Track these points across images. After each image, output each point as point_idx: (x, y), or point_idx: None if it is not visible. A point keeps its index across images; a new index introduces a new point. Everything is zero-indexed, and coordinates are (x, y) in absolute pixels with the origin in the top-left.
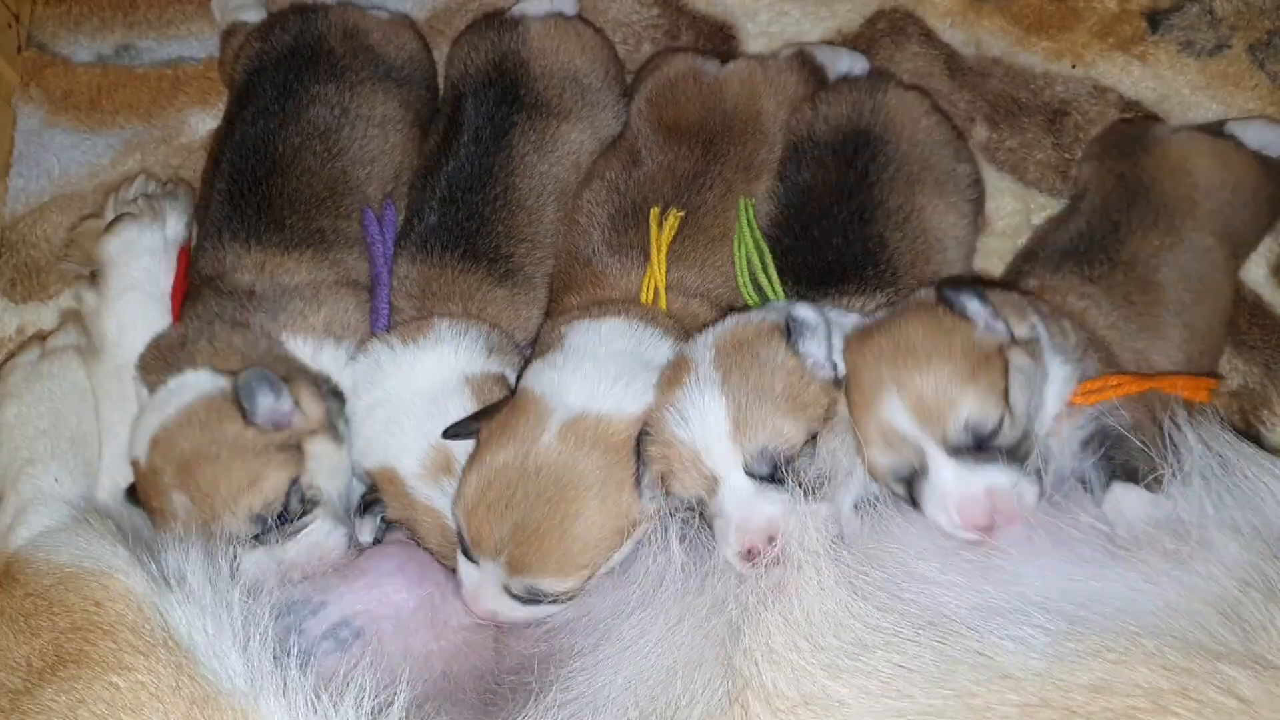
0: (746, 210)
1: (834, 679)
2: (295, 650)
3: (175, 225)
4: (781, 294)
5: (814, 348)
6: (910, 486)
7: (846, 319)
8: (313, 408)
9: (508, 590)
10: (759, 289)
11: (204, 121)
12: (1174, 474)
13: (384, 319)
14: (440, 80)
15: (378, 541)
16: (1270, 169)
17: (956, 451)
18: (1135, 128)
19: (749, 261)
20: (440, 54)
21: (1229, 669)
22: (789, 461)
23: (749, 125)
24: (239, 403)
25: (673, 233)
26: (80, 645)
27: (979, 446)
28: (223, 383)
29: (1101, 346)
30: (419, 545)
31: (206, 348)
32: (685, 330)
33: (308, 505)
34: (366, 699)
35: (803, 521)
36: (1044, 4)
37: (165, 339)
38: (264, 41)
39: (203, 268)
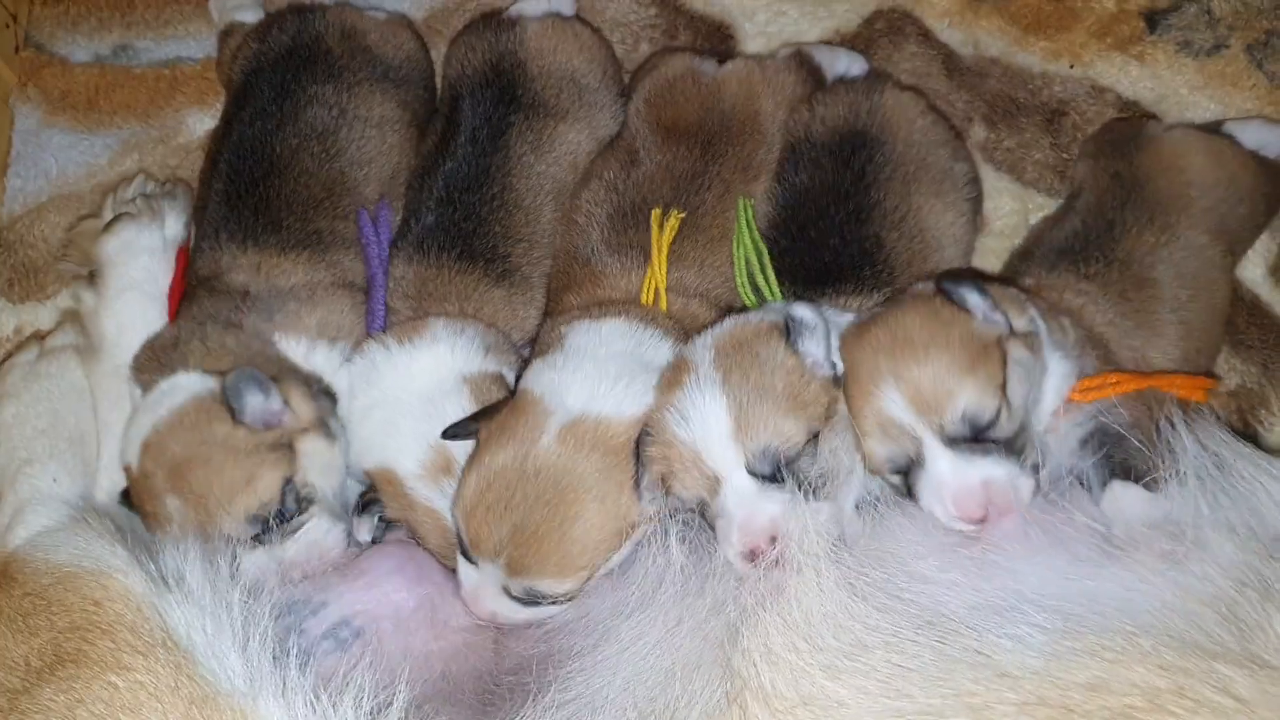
0: (745, 211)
1: (833, 679)
2: (295, 650)
3: (174, 225)
4: (779, 295)
5: (813, 347)
6: (907, 477)
7: (844, 318)
8: (303, 406)
9: (507, 592)
10: (756, 290)
11: (202, 122)
12: (1171, 474)
13: (380, 320)
14: (437, 80)
15: (376, 541)
16: (1265, 167)
17: (953, 442)
18: (1130, 126)
19: (747, 262)
20: (438, 54)
21: (1225, 668)
22: (790, 461)
23: (747, 126)
24: (228, 403)
25: (674, 234)
26: (79, 645)
27: (976, 438)
28: (212, 384)
29: (1099, 344)
30: (419, 545)
31: (199, 348)
32: (685, 331)
33: (303, 504)
34: (366, 699)
35: (804, 522)
36: (1042, 4)
37: (159, 339)
38: (261, 42)
39: (199, 268)
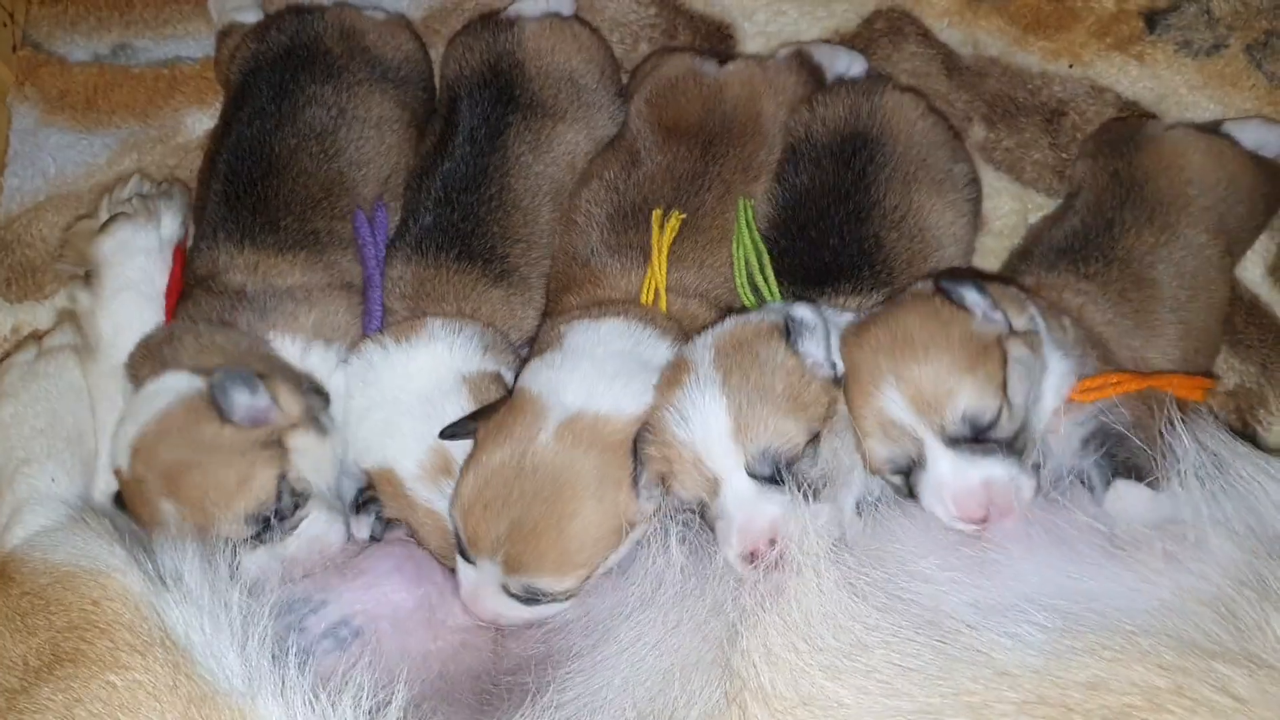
0: (745, 211)
1: (832, 679)
2: (294, 649)
3: (170, 225)
4: (778, 295)
5: (813, 347)
6: (908, 478)
7: (844, 318)
8: (290, 402)
9: (506, 590)
10: (756, 290)
11: (200, 121)
12: (1173, 473)
13: (377, 320)
14: (436, 80)
15: (375, 537)
16: (1264, 167)
17: (954, 443)
18: (1129, 125)
19: (746, 262)
20: (436, 54)
21: (1224, 668)
22: (790, 462)
23: (749, 127)
24: (215, 403)
25: (674, 234)
26: (77, 644)
27: (976, 438)
28: (199, 384)
29: (1099, 344)
30: (418, 545)
31: (191, 344)
32: (684, 331)
33: (299, 499)
34: (365, 698)
35: (804, 523)
36: (1041, 4)
37: (153, 337)
38: (260, 42)
39: (197, 268)
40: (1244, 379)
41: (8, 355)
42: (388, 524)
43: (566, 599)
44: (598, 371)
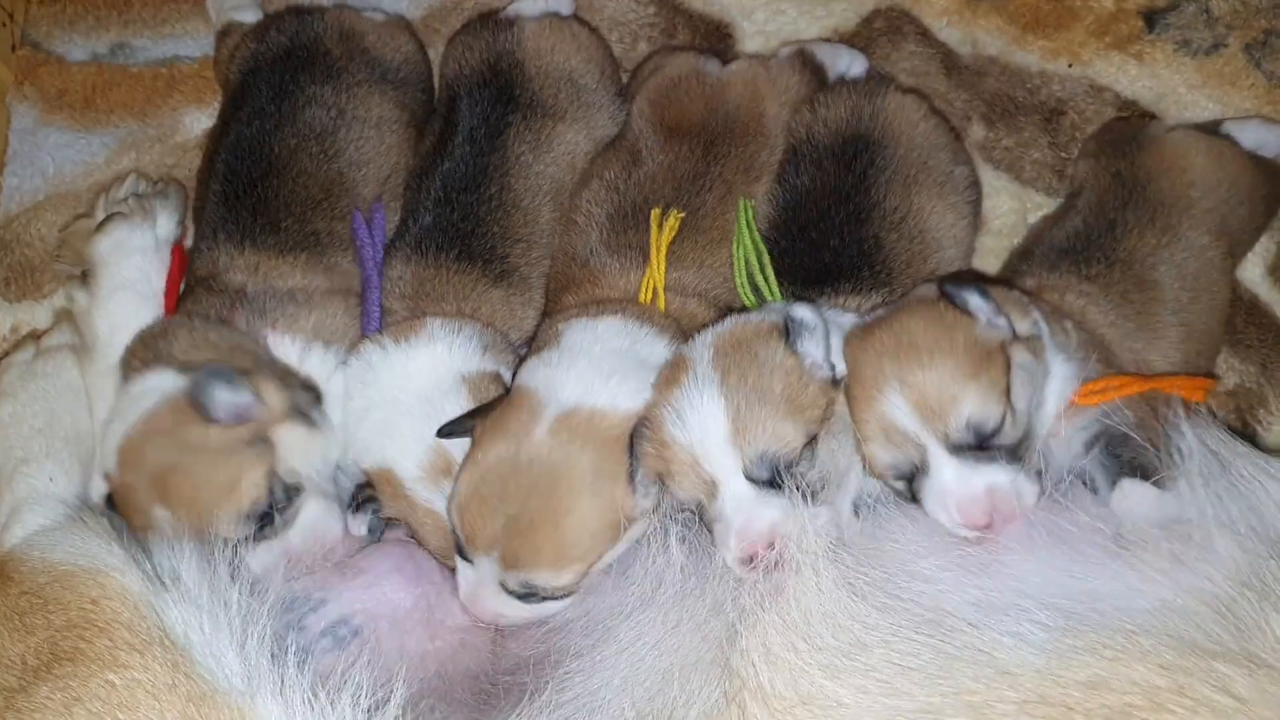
0: (746, 211)
1: (832, 679)
2: (293, 648)
3: (166, 224)
4: (778, 295)
5: (812, 348)
6: (910, 483)
7: (844, 318)
8: (274, 397)
9: (504, 587)
10: (756, 290)
11: (199, 120)
12: (1177, 473)
13: (375, 321)
14: (435, 81)
15: (372, 530)
16: (1265, 168)
17: (958, 449)
18: (1131, 126)
19: (746, 262)
20: (435, 54)
21: (1224, 667)
22: (788, 465)
23: (751, 127)
24: (197, 404)
25: (673, 234)
26: (76, 643)
27: (980, 445)
28: (183, 383)
29: (1101, 346)
30: (418, 545)
31: (185, 338)
32: (683, 330)
33: (292, 491)
34: (363, 697)
35: (802, 525)
36: (1040, 3)
37: (148, 331)
38: (259, 42)
39: (197, 268)
40: (1244, 379)
41: (6, 355)
42: (387, 523)
43: (564, 596)
44: (594, 369)
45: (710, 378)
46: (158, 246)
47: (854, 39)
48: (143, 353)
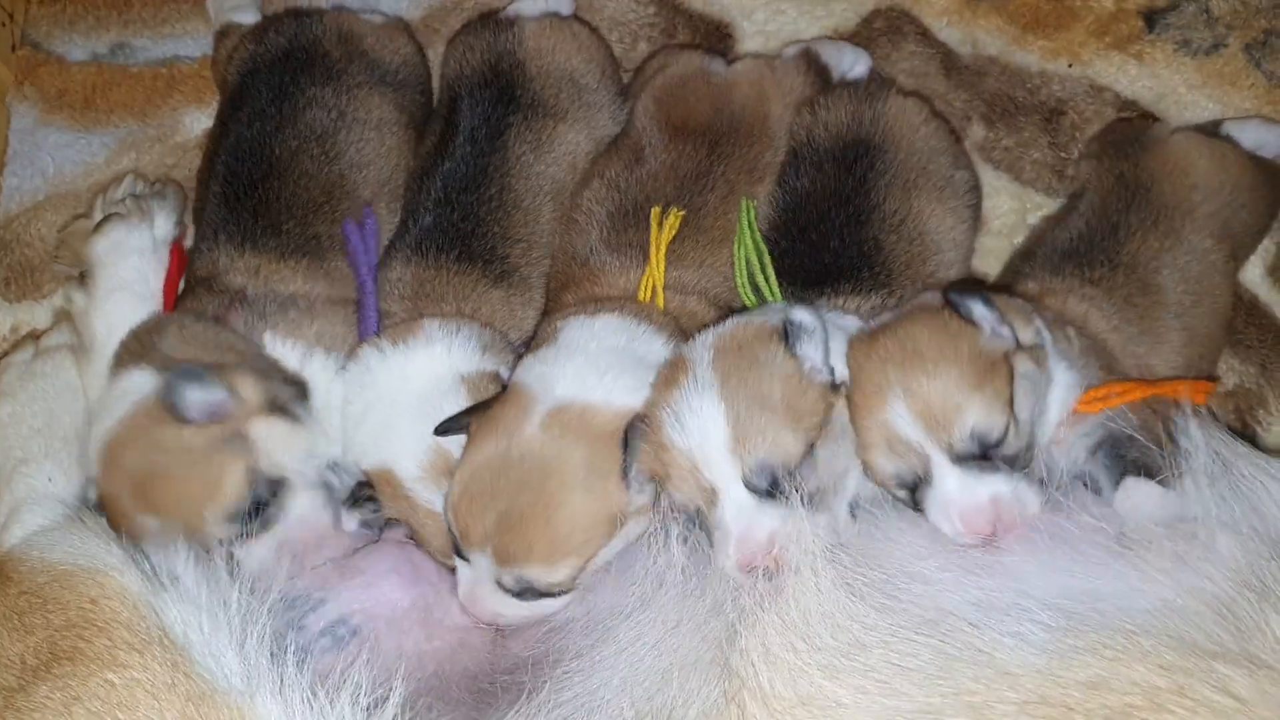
0: (748, 211)
1: (831, 679)
2: (292, 648)
3: (164, 225)
4: (779, 295)
5: (811, 351)
6: (913, 493)
7: (845, 320)
8: (250, 391)
9: (500, 584)
10: (756, 290)
11: (199, 120)
12: (1178, 474)
13: (372, 326)
14: (436, 81)
15: (368, 525)
16: (1267, 171)
17: (961, 460)
18: (1135, 127)
19: (747, 262)
20: (435, 54)
21: (1224, 668)
22: (788, 473)
23: (756, 128)
24: (169, 405)
25: (673, 232)
26: (75, 643)
27: (983, 455)
28: (157, 384)
29: (1104, 352)
30: (416, 545)
31: (174, 334)
32: (682, 328)
33: (276, 486)
34: (362, 696)
35: (801, 530)
36: (1040, 3)
37: (139, 328)
38: (258, 44)
39: (198, 269)
40: (1243, 379)
41: (6, 355)
42: (386, 523)
43: (561, 594)
44: (589, 365)
45: (710, 382)
46: (155, 247)
47: (854, 39)
48: (131, 349)
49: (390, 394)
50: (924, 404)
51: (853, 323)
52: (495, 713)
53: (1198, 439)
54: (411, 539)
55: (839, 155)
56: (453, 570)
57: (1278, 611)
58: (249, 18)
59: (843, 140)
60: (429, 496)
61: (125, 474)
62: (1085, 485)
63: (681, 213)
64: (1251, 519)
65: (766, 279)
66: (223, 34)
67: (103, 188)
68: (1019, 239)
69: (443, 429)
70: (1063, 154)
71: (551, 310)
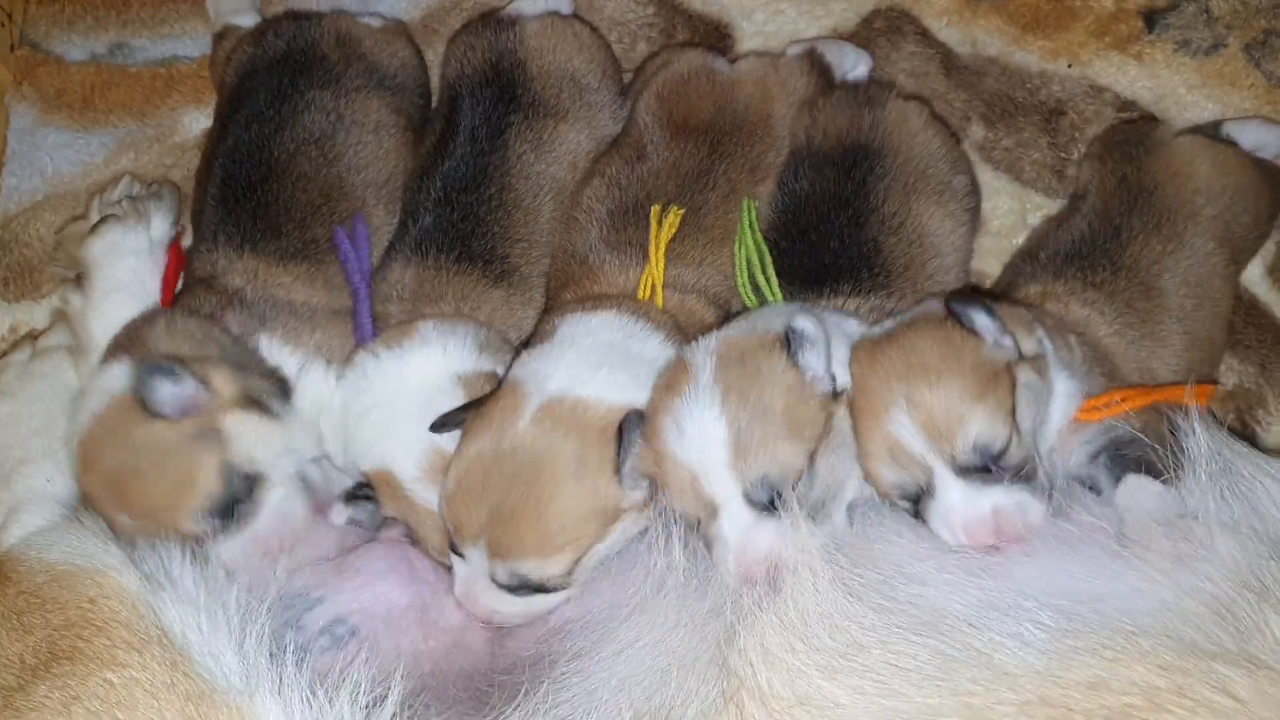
0: (749, 212)
1: (829, 679)
2: (291, 647)
3: (160, 226)
4: (779, 296)
5: (814, 360)
6: (916, 503)
7: (848, 324)
8: (224, 385)
9: (495, 580)
10: (757, 290)
11: (198, 120)
12: (1183, 474)
13: (368, 332)
14: (435, 81)
15: (357, 523)
16: (1269, 174)
17: (964, 471)
18: (1138, 130)
19: (749, 263)
20: (435, 54)
21: (1223, 668)
22: (788, 486)
23: (759, 127)
24: (140, 399)
25: (673, 230)
26: (74, 642)
27: (986, 466)
28: (130, 378)
29: (1105, 358)
30: (412, 544)
31: (163, 327)
32: (680, 327)
33: (251, 481)
34: (361, 695)
35: (801, 541)
36: (1040, 3)
37: (135, 320)
38: (257, 46)
39: (196, 270)
40: (1243, 379)
41: (5, 355)
42: (383, 522)
43: (557, 589)
44: (583, 360)
45: (712, 394)
46: (151, 248)
47: (853, 39)
48: (120, 343)
49: (387, 396)
50: (927, 416)
51: (855, 326)
52: (493, 712)
53: (1198, 439)
54: (408, 538)
55: (838, 159)
56: (450, 569)
57: (1277, 612)
58: (248, 20)
59: (842, 144)
60: (428, 496)
61: (101, 472)
62: (1083, 485)
63: (681, 211)
64: (1251, 519)
65: (767, 279)
66: (221, 36)
67: (101, 188)
68: (1019, 239)
69: (439, 425)
70: (1062, 154)
71: (551, 308)
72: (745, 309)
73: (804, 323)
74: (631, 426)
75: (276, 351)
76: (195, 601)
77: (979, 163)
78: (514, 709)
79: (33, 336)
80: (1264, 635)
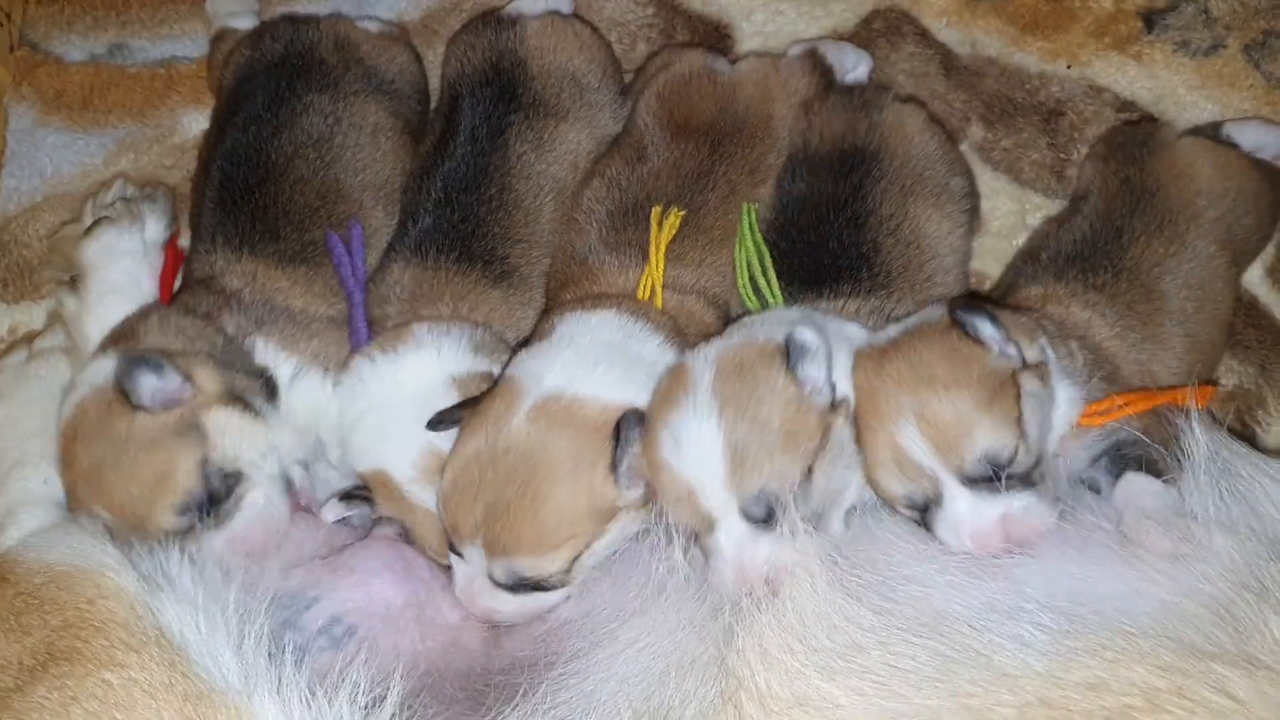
0: (749, 214)
1: (828, 680)
2: (290, 647)
3: (154, 228)
4: (780, 298)
5: (814, 372)
6: (923, 513)
7: (849, 329)
8: (207, 379)
9: (493, 578)
10: (758, 291)
11: (197, 121)
12: (1179, 474)
13: (363, 337)
14: (435, 82)
15: (348, 521)
16: (1270, 176)
17: (971, 482)
18: (1140, 131)
19: (749, 265)
20: (435, 55)
21: (1222, 669)
22: (784, 500)
23: (759, 129)
24: (121, 390)
25: (673, 232)
26: (72, 643)
27: (993, 476)
28: (112, 370)
29: (1106, 361)
30: (407, 544)
31: (155, 322)
32: (679, 328)
33: (231, 479)
34: (360, 695)
35: (799, 553)
36: (1039, 4)
37: (130, 316)
38: (255, 49)
39: (195, 271)
40: (1243, 380)
41: (3, 356)
42: (376, 521)
43: (557, 587)
44: (579, 358)
45: (710, 407)
46: (146, 250)
47: (853, 40)
48: (113, 336)
49: (383, 400)
50: (935, 428)
51: (856, 332)
52: (491, 713)
53: (1198, 440)
54: (403, 537)
55: (835, 163)
56: (447, 568)
57: (1276, 613)
58: (246, 24)
59: (838, 148)
60: (425, 497)
61: (80, 464)
62: (1082, 483)
63: (682, 213)
64: (1250, 519)
65: (768, 281)
66: (218, 39)
67: (97, 190)
68: (1018, 240)
69: (435, 423)
70: (1062, 155)
71: (550, 308)
72: (745, 310)
73: (804, 333)
74: (630, 425)
75: (272, 356)
76: (193, 601)
77: (978, 163)
78: (512, 709)
79: (29, 338)
80: (1263, 636)
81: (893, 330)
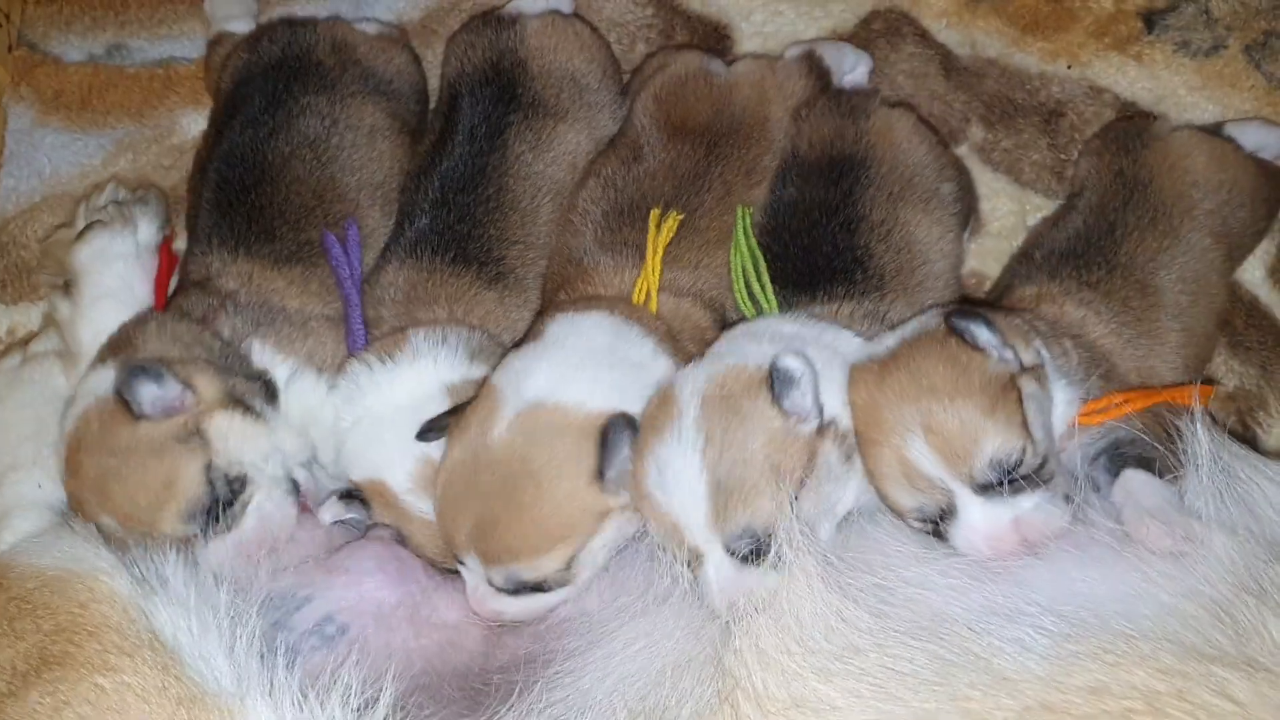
0: (744, 219)
1: (825, 682)
2: (282, 649)
3: (147, 231)
4: (775, 303)
5: (799, 399)
6: (936, 524)
7: (843, 339)
8: (207, 385)
9: (492, 584)
10: (753, 297)
11: (196, 121)
12: (1179, 474)
13: (360, 339)
14: (435, 82)
15: (341, 522)
16: (1266, 170)
17: (983, 489)
18: (1136, 123)
19: (744, 270)
20: (435, 55)
21: (1222, 671)
22: (769, 532)
23: (756, 130)
24: (123, 400)
25: (671, 235)
26: (65, 647)
27: (1004, 480)
28: (113, 380)
29: (1103, 359)
30: (400, 544)
31: (153, 329)
32: (674, 332)
33: (236, 483)
34: (353, 696)
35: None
36: (1040, 4)
37: (127, 323)
38: (252, 52)
39: (191, 272)
40: (1244, 381)
41: (1, 357)
42: (372, 525)
43: (558, 586)
44: (565, 362)
45: (694, 443)
46: (139, 253)
47: (852, 40)
48: (110, 346)
49: (379, 408)
50: (943, 439)
51: (850, 342)
52: (487, 712)
53: (1198, 440)
54: (397, 539)
55: (825, 169)
56: (445, 570)
57: (1276, 615)
58: (244, 27)
59: (827, 155)
60: (422, 506)
61: (85, 474)
62: (1088, 485)
63: (680, 216)
64: (1248, 521)
65: (762, 287)
66: (216, 42)
67: (97, 189)
68: (1018, 241)
69: (424, 432)
70: (1062, 155)
71: (545, 310)
72: (741, 316)
73: (788, 361)
74: (617, 430)
75: (268, 358)
76: (186, 604)
77: (978, 164)
78: (508, 709)
79: (27, 341)
80: (1262, 638)
81: (889, 340)
